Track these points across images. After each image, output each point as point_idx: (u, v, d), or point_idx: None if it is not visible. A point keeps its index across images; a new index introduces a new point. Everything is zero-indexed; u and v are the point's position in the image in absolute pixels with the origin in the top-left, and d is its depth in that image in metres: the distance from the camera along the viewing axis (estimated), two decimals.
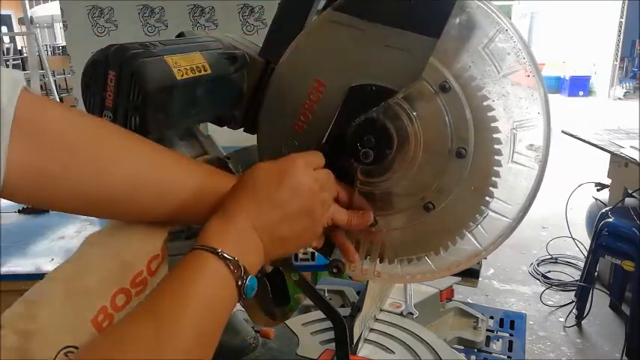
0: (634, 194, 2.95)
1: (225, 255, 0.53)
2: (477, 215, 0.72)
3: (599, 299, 3.19)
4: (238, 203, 0.59)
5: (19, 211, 2.29)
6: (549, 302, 3.41)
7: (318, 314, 1.24)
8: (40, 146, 0.53)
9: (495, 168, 0.69)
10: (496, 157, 0.69)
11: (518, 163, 0.70)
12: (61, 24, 3.55)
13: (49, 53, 10.52)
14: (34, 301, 0.53)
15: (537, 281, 3.70)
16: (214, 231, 0.56)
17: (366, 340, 1.16)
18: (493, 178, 0.70)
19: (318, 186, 0.64)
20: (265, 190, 0.60)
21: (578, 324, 3.13)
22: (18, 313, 0.51)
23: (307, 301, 1.35)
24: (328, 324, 1.03)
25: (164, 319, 0.48)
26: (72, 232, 2.11)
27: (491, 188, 0.70)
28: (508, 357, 1.26)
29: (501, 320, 1.41)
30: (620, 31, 11.57)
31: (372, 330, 1.20)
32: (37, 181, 0.53)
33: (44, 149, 0.53)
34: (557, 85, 12.59)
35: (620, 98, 11.62)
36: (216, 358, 1.07)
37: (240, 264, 0.54)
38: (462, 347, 1.27)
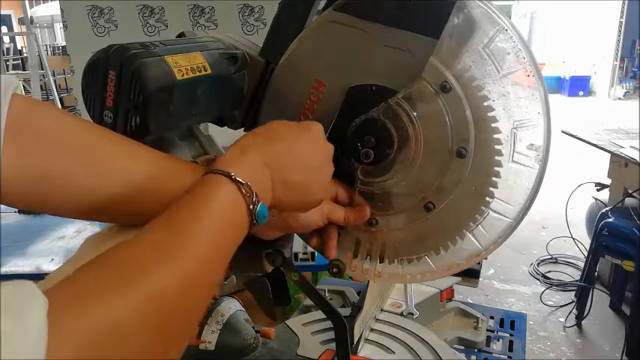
0: (634, 194, 2.95)
1: (238, 179, 0.53)
2: (477, 215, 0.72)
3: (599, 299, 3.19)
4: (255, 140, 0.60)
5: (19, 211, 2.29)
6: (549, 302, 3.41)
7: (319, 314, 1.24)
8: (34, 147, 0.53)
9: (496, 168, 0.69)
10: (496, 158, 0.69)
11: (518, 163, 0.70)
12: (61, 24, 3.55)
13: (49, 53, 10.52)
14: None
15: (537, 281, 3.70)
16: (228, 159, 0.56)
17: (366, 340, 1.16)
18: (493, 178, 0.70)
19: (329, 152, 0.67)
20: (285, 134, 0.62)
21: (578, 324, 3.13)
22: None
23: (308, 301, 1.36)
24: (328, 324, 1.03)
25: (179, 228, 0.48)
26: (72, 232, 2.11)
27: (491, 188, 0.70)
28: (508, 357, 1.26)
29: (502, 320, 1.41)
30: (620, 31, 11.57)
31: (372, 330, 1.20)
32: (34, 182, 0.53)
33: (39, 150, 0.53)
34: (557, 85, 12.58)
35: (620, 98, 11.61)
36: (216, 358, 1.07)
37: (253, 189, 0.54)
38: (463, 347, 1.27)
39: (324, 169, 0.66)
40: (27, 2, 6.07)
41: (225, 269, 0.53)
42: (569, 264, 3.91)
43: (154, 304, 0.42)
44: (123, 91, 0.61)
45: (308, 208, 0.67)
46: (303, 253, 1.72)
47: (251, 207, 0.54)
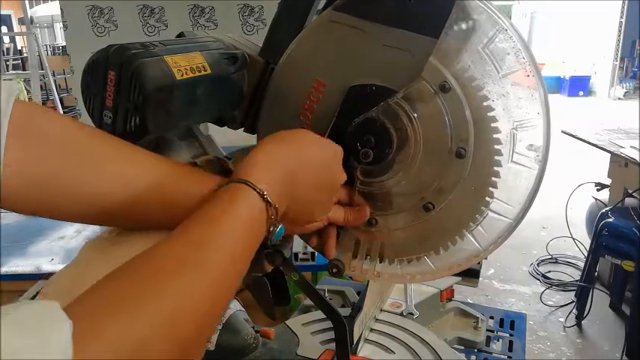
0: (634, 194, 2.95)
1: (269, 199, 0.54)
2: (477, 215, 0.72)
3: (599, 299, 3.19)
4: (280, 149, 0.61)
5: None
6: (549, 302, 3.42)
7: (319, 314, 1.24)
8: (36, 152, 0.53)
9: (495, 168, 0.69)
10: (496, 158, 0.69)
11: (518, 164, 0.70)
12: (61, 24, 3.55)
13: (49, 53, 10.52)
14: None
15: (537, 281, 3.70)
16: (253, 168, 0.56)
17: (366, 340, 1.16)
18: (493, 178, 0.70)
19: (341, 179, 0.68)
20: (307, 148, 0.63)
21: (578, 324, 3.13)
22: None
23: (307, 301, 1.36)
24: (328, 324, 1.03)
25: (200, 240, 0.48)
26: (72, 233, 2.11)
27: (491, 188, 0.70)
28: (508, 357, 1.26)
29: (501, 320, 1.41)
30: (620, 31, 11.56)
31: (372, 330, 1.20)
32: (35, 186, 0.53)
33: (40, 155, 0.54)
34: (557, 85, 12.58)
35: (620, 98, 11.61)
36: (216, 358, 1.07)
37: (278, 212, 0.55)
38: (463, 347, 1.27)
39: (332, 193, 0.68)
40: (27, 2, 6.06)
41: (240, 280, 0.53)
42: (569, 264, 3.92)
43: (174, 319, 0.42)
44: (122, 91, 0.61)
45: (304, 224, 0.68)
46: (303, 253, 1.72)
47: (271, 228, 0.55)
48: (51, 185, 0.55)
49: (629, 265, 2.80)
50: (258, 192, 0.53)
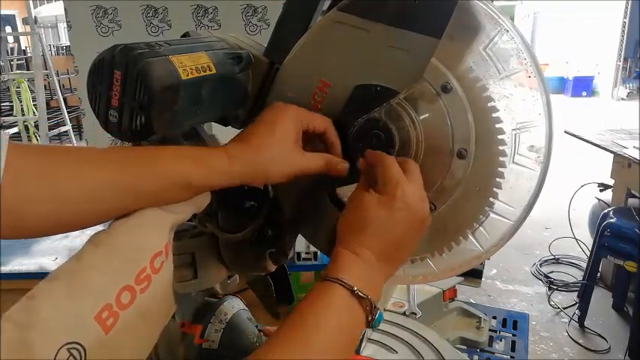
0: (637, 195, 2.95)
1: (360, 294, 0.59)
2: (481, 216, 0.72)
3: (602, 300, 3.19)
4: (359, 238, 0.64)
5: None
6: (552, 303, 3.41)
7: None
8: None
9: (500, 169, 0.69)
10: (500, 159, 0.69)
11: (519, 165, 0.70)
12: (65, 24, 3.55)
13: (53, 53, 10.55)
14: (36, 296, 0.53)
15: (540, 282, 3.70)
16: (346, 265, 0.61)
17: (369, 339, 1.17)
18: (497, 179, 0.70)
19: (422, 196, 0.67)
20: (378, 219, 0.64)
21: (581, 324, 3.13)
22: (19, 307, 0.51)
23: None
24: None
25: (312, 348, 0.55)
26: (76, 232, 2.11)
27: (495, 189, 0.70)
28: (511, 357, 1.27)
29: (504, 320, 1.42)
30: (623, 31, 11.53)
31: (375, 329, 1.21)
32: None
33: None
34: (561, 85, 12.58)
35: (623, 99, 11.59)
36: (219, 357, 1.07)
37: (373, 303, 0.60)
38: (465, 347, 1.27)
39: (423, 228, 0.68)
40: (31, 2, 6.07)
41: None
42: (571, 264, 3.91)
43: None
44: (128, 90, 0.62)
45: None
46: (306, 253, 1.72)
47: (369, 318, 0.60)
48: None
49: (631, 266, 2.80)
50: (353, 294, 0.59)
